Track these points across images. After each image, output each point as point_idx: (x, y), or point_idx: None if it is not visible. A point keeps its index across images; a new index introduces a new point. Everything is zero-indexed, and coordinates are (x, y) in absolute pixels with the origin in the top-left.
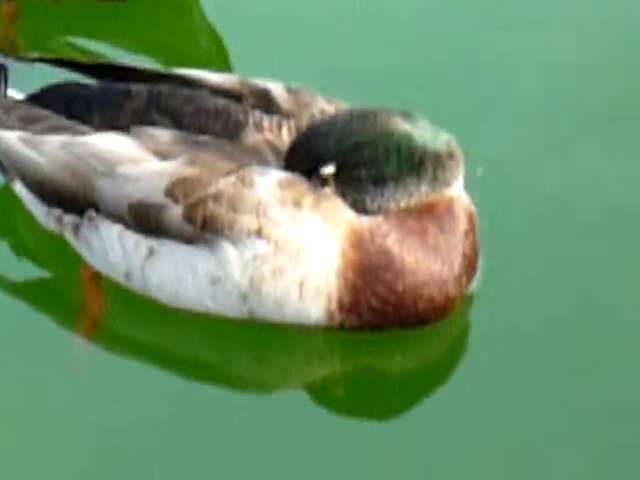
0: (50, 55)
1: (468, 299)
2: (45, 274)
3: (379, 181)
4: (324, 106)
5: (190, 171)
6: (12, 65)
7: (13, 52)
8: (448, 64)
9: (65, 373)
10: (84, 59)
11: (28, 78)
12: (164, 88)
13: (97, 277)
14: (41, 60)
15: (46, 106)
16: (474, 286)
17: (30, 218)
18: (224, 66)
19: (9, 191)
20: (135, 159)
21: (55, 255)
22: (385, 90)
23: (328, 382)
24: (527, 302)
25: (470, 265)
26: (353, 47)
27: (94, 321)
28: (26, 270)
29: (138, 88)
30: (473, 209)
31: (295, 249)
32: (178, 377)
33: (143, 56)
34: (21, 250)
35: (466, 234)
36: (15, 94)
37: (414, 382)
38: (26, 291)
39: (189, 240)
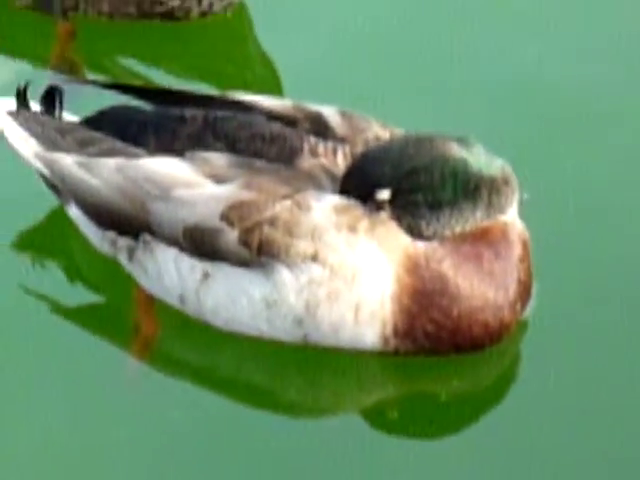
0: (105, 79)
1: (523, 325)
2: (99, 297)
3: (435, 206)
4: (379, 131)
5: (246, 195)
6: (68, 87)
7: (72, 71)
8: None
9: (118, 394)
10: (139, 83)
11: (83, 100)
12: (219, 113)
13: (150, 300)
14: (95, 83)
15: (101, 129)
16: (529, 312)
17: (84, 241)
18: (276, 91)
19: (63, 214)
20: (190, 183)
21: (109, 278)
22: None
23: (382, 407)
24: (581, 328)
25: (525, 291)
26: (403, 69)
27: (147, 342)
28: (80, 293)
29: (193, 113)
30: (527, 235)
31: (350, 273)
32: (231, 401)
33: (195, 81)
34: (75, 273)
35: (521, 260)
36: (71, 116)
37: (468, 407)
38: (79, 313)
39: (244, 264)
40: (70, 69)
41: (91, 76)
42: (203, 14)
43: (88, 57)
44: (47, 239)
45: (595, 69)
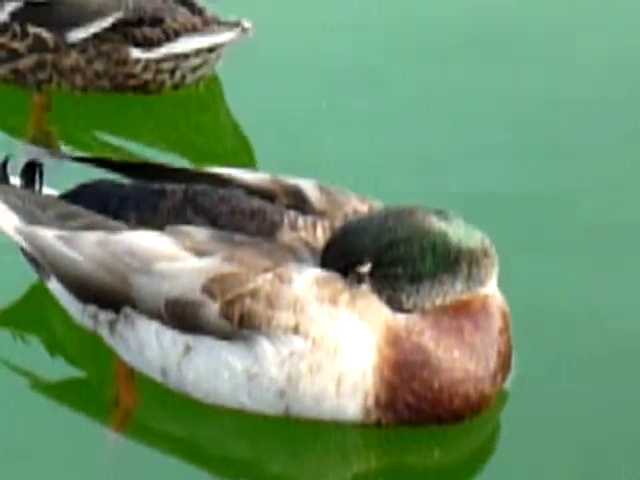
0: (83, 153)
1: (503, 395)
2: (78, 370)
3: (415, 279)
4: (357, 205)
5: (227, 268)
6: (47, 161)
7: (48, 142)
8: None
9: (98, 468)
10: (116, 157)
11: (62, 174)
12: (199, 187)
13: (130, 373)
14: (76, 159)
15: (81, 203)
16: (508, 383)
17: (63, 315)
18: (250, 163)
19: (43, 288)
20: (172, 256)
21: (88, 351)
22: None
23: (366, 477)
24: (561, 398)
25: (505, 363)
26: (376, 137)
27: (126, 415)
28: (59, 366)
29: (173, 187)
30: (506, 307)
31: (332, 346)
32: (212, 474)
33: (169, 153)
34: (54, 346)
35: (500, 332)
36: (50, 190)
37: (450, 478)
38: (59, 387)
39: (226, 336)
40: (46, 141)
41: (66, 148)
42: (175, 87)
43: (62, 129)
44: (27, 313)
45: None
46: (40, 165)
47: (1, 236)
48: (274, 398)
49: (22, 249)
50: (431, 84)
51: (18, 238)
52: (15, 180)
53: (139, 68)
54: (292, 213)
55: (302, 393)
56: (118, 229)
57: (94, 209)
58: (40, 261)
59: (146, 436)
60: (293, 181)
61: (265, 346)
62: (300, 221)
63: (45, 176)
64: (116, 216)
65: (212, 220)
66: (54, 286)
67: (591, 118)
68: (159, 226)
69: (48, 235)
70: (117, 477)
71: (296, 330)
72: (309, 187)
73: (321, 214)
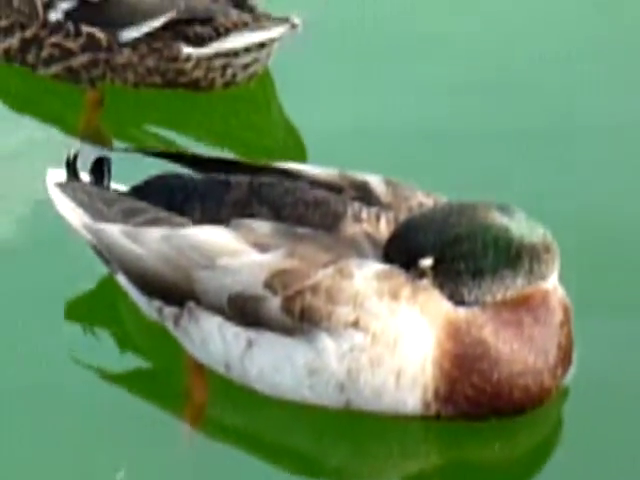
0: (152, 148)
1: (565, 390)
2: (150, 364)
3: (477, 274)
4: (422, 199)
5: (289, 263)
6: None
7: (100, 139)
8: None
9: (171, 460)
10: (187, 153)
11: (129, 169)
12: (264, 179)
13: (201, 366)
14: (144, 152)
15: (148, 198)
16: (571, 377)
17: (134, 309)
18: (301, 160)
19: (113, 282)
20: (234, 251)
21: (159, 345)
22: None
23: (425, 473)
24: (622, 394)
25: (565, 356)
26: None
27: (199, 410)
28: (131, 360)
29: (238, 180)
30: (568, 301)
31: (392, 340)
32: (276, 467)
33: (220, 148)
34: (126, 340)
35: (561, 326)
36: (119, 186)
37: (510, 472)
38: (132, 381)
39: (287, 331)
40: (97, 137)
41: (118, 144)
42: (227, 85)
43: (115, 125)
44: (98, 307)
45: None
46: (108, 160)
47: (72, 232)
48: (335, 392)
49: (92, 244)
50: None
51: (86, 235)
52: (85, 176)
53: (190, 65)
54: (356, 204)
55: (362, 387)
56: (182, 225)
57: (160, 203)
58: (107, 257)
59: (213, 429)
60: (360, 175)
61: (325, 341)
62: (364, 213)
63: (113, 171)
64: (182, 209)
65: (276, 211)
66: (122, 280)
67: None
68: (225, 218)
69: (114, 231)
70: (189, 470)
71: (356, 325)
72: (376, 181)
73: (386, 207)
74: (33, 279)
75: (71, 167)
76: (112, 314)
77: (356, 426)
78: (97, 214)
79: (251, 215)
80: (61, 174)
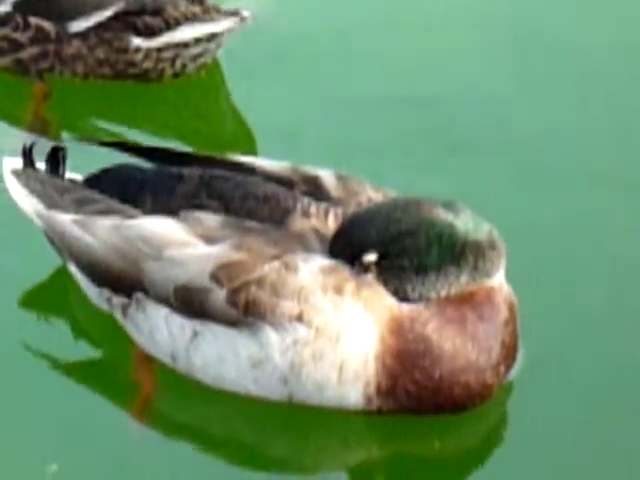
0: (108, 139)
1: (507, 387)
2: (98, 353)
3: (420, 270)
4: (372, 194)
5: (235, 256)
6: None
7: (45, 131)
8: None
9: (116, 450)
10: (141, 144)
11: (84, 160)
12: (215, 172)
13: (149, 358)
14: (99, 143)
15: (102, 188)
16: (514, 375)
17: (84, 298)
18: (250, 150)
19: (66, 271)
20: (182, 243)
21: (108, 335)
22: None
23: (367, 466)
24: (566, 391)
25: (509, 354)
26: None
27: (145, 401)
28: (80, 349)
29: (191, 172)
30: (514, 299)
31: (335, 334)
32: (220, 458)
33: (170, 140)
34: (76, 329)
35: (506, 323)
36: (74, 175)
37: (451, 468)
38: (80, 370)
39: (232, 323)
40: (43, 129)
41: (67, 136)
42: (176, 75)
43: (64, 117)
44: (50, 295)
45: None
46: (64, 150)
47: (27, 220)
48: (278, 385)
49: (45, 232)
50: None
51: (38, 222)
52: (41, 165)
53: (140, 56)
54: (305, 200)
55: (305, 380)
56: (133, 215)
57: (114, 193)
58: (58, 245)
59: (158, 420)
60: (312, 169)
61: (269, 334)
62: (313, 208)
63: (69, 161)
64: (134, 199)
65: (225, 205)
66: (73, 269)
67: None
68: (175, 210)
69: (65, 219)
70: (134, 460)
71: (300, 318)
72: (326, 175)
73: (336, 202)
74: None
75: (27, 156)
76: (64, 303)
77: (299, 418)
78: (50, 202)
79: (201, 207)
80: (17, 163)
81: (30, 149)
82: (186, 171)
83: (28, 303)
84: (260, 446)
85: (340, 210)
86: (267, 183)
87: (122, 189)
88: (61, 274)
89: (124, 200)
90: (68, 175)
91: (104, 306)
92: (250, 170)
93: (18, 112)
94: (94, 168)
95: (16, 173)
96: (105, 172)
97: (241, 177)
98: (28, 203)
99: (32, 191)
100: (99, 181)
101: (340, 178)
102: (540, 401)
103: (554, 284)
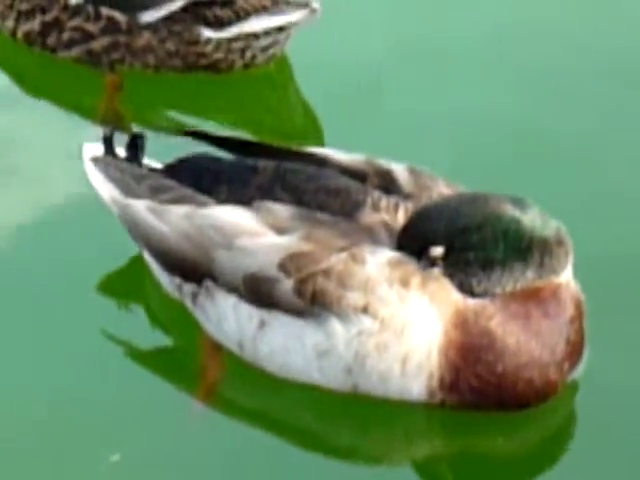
0: (186, 129)
1: (574, 386)
2: (169, 340)
3: (486, 265)
4: (443, 189)
5: (304, 247)
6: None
7: (117, 122)
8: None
9: (179, 437)
10: (219, 135)
11: (163, 148)
12: (290, 165)
13: (217, 345)
14: (177, 132)
15: (178, 177)
16: (581, 373)
17: (158, 286)
18: (318, 143)
19: (141, 259)
20: (253, 232)
21: (180, 322)
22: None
23: (430, 460)
24: (635, 393)
25: (574, 351)
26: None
27: (211, 388)
28: (152, 336)
29: (266, 164)
30: (581, 296)
31: (400, 326)
32: (282, 445)
33: (238, 131)
34: (148, 316)
35: (572, 320)
36: (153, 163)
37: (515, 466)
38: (150, 356)
39: (299, 313)
40: (116, 120)
41: (137, 127)
42: (246, 66)
43: (134, 108)
44: (126, 283)
45: None
46: (142, 138)
47: (107, 208)
48: (342, 375)
49: (121, 220)
50: None
51: (114, 208)
52: (121, 152)
53: (210, 48)
54: (376, 194)
55: (369, 371)
56: (206, 204)
57: (190, 182)
58: (133, 232)
59: (224, 406)
60: (386, 163)
61: (335, 324)
62: (383, 202)
63: (147, 149)
64: (209, 189)
65: (298, 197)
66: (147, 257)
67: None
68: (248, 201)
69: (140, 206)
70: (198, 446)
71: (365, 310)
72: (399, 169)
73: (407, 196)
74: (66, 254)
75: (108, 144)
76: (139, 290)
77: (363, 409)
78: (127, 189)
79: (274, 199)
80: (97, 149)
81: (111, 137)
82: (261, 163)
83: (105, 290)
84: (323, 435)
85: (410, 205)
86: (340, 176)
87: (198, 179)
88: (138, 262)
89: (199, 190)
90: (148, 163)
91: (175, 293)
92: (324, 162)
93: (92, 104)
94: (171, 158)
95: (95, 160)
96: (182, 162)
97: (314, 170)
98: (106, 190)
99: (110, 178)
100: (176, 170)
101: (413, 172)
102: (608, 402)
103: (625, 282)
